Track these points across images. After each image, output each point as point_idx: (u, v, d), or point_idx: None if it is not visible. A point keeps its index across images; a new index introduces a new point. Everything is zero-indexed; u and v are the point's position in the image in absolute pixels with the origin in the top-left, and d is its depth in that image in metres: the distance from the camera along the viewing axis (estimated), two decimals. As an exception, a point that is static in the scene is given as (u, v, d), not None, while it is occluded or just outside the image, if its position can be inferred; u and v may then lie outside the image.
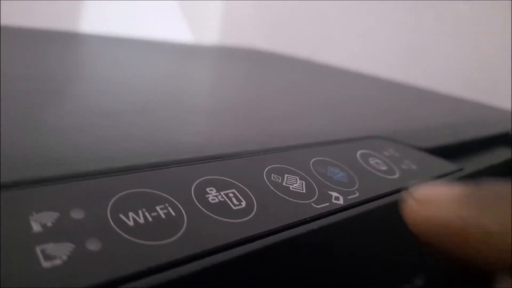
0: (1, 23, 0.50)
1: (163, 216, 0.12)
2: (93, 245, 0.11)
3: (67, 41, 0.48)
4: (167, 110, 0.23)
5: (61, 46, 0.44)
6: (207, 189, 0.14)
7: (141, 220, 0.12)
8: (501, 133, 0.34)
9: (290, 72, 0.53)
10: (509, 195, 0.12)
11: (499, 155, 0.30)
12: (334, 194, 0.16)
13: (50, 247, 0.10)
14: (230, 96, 0.32)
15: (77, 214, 0.11)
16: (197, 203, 0.13)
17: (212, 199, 0.14)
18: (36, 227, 0.11)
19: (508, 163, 0.30)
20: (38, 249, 0.10)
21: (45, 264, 0.10)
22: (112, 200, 0.12)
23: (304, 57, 0.72)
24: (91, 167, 0.14)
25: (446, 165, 0.22)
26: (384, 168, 0.19)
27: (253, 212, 0.14)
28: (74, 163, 0.14)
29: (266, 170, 0.16)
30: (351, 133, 0.23)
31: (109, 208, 0.12)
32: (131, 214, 0.12)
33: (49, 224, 0.11)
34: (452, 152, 0.26)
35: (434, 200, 0.12)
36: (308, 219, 0.14)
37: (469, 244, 0.11)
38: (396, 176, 0.19)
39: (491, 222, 0.11)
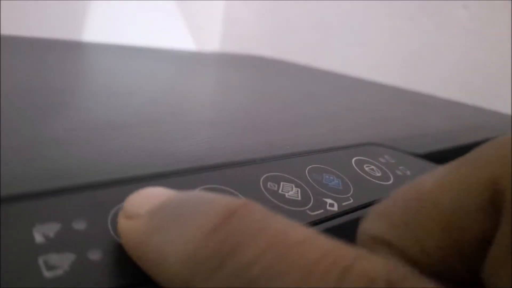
0: (3, 33, 0.51)
1: (161, 225, 0.13)
2: (94, 255, 0.11)
3: (69, 50, 0.49)
4: (166, 119, 0.24)
5: (63, 55, 0.44)
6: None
7: (140, 230, 0.12)
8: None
9: (289, 79, 0.54)
10: (195, 210, 0.10)
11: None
12: (329, 201, 0.17)
13: (52, 258, 0.11)
14: (228, 104, 0.32)
15: (79, 225, 0.12)
16: (194, 212, 0.14)
17: (210, 208, 0.14)
18: (38, 238, 0.11)
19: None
20: (40, 260, 0.10)
21: (48, 274, 0.10)
22: (113, 211, 0.13)
23: (305, 64, 0.72)
24: (92, 179, 0.14)
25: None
26: (378, 174, 0.20)
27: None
28: (75, 174, 0.14)
29: (262, 178, 0.17)
30: (348, 140, 0.23)
31: (109, 218, 0.12)
32: (130, 224, 0.12)
33: (51, 235, 0.11)
34: (448, 157, 0.27)
35: (134, 215, 0.11)
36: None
37: (149, 273, 0.10)
38: (391, 182, 0.19)
39: (152, 249, 0.09)
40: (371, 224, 0.11)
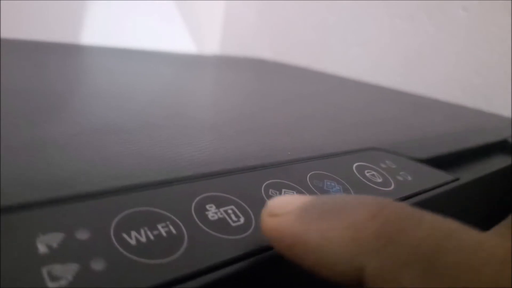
0: (3, 36, 0.51)
1: (164, 234, 0.13)
2: (97, 265, 0.11)
3: (67, 53, 0.49)
4: (167, 124, 0.24)
5: (61, 58, 0.44)
6: (207, 206, 0.15)
7: (143, 239, 0.12)
8: (500, 141, 0.34)
9: (289, 82, 0.54)
10: (343, 206, 0.11)
11: (497, 163, 0.31)
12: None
13: (56, 268, 0.11)
14: (229, 109, 0.32)
15: (82, 235, 0.12)
16: (197, 221, 0.14)
17: (212, 216, 0.14)
18: (42, 249, 0.11)
19: (507, 170, 0.31)
20: (44, 270, 0.10)
21: (51, 284, 0.10)
22: (115, 220, 0.13)
23: (305, 65, 0.72)
24: (94, 187, 0.14)
25: (442, 176, 0.22)
26: (379, 180, 0.20)
27: (251, 228, 0.14)
28: (77, 183, 0.14)
29: (264, 185, 0.17)
30: (349, 145, 0.23)
31: (112, 227, 0.13)
32: (133, 233, 0.13)
33: (54, 245, 0.11)
34: (450, 161, 0.27)
35: (281, 213, 0.12)
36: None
37: (306, 257, 0.11)
38: (391, 188, 0.19)
39: (314, 235, 0.11)
40: None
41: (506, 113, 0.50)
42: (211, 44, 0.86)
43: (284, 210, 0.12)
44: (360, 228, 0.11)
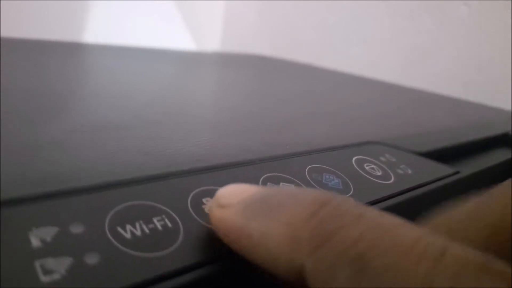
0: (4, 35, 0.51)
1: (160, 228, 0.13)
2: (91, 259, 0.11)
3: (68, 52, 0.49)
4: (165, 120, 0.24)
5: (61, 56, 0.44)
6: (203, 200, 0.15)
7: (138, 233, 0.12)
8: (500, 134, 0.34)
9: (288, 78, 0.54)
10: (285, 201, 0.11)
11: (498, 156, 0.30)
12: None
13: (49, 262, 0.10)
14: (227, 104, 0.32)
15: (76, 229, 0.12)
16: (193, 214, 0.14)
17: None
18: (35, 242, 0.11)
19: (508, 163, 0.30)
20: (37, 264, 0.10)
21: (44, 278, 0.10)
22: (110, 214, 0.13)
23: (306, 62, 0.72)
24: (89, 182, 0.14)
25: (443, 169, 0.22)
26: (379, 173, 0.19)
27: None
28: (72, 177, 0.14)
29: (262, 178, 0.17)
30: (348, 138, 0.23)
31: (107, 221, 0.12)
32: (128, 226, 0.12)
33: (48, 239, 0.11)
34: (450, 155, 0.27)
35: (227, 204, 0.12)
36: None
37: (253, 251, 0.11)
38: (391, 181, 0.19)
39: (255, 230, 0.11)
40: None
41: (507, 107, 0.49)
42: (212, 41, 0.86)
43: (230, 201, 0.12)
44: (298, 226, 0.10)
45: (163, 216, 0.13)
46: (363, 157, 0.21)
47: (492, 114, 0.44)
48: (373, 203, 0.17)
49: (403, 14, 0.64)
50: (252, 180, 0.16)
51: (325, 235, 0.10)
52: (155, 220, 0.13)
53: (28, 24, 0.59)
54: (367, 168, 0.20)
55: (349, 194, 0.17)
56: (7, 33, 0.53)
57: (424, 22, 0.62)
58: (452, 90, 0.58)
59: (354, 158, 0.20)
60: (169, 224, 0.13)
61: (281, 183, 0.17)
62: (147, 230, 0.12)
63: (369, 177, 0.19)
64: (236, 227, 0.11)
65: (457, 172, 0.22)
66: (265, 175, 0.17)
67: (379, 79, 0.61)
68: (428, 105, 0.44)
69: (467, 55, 0.58)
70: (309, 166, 0.18)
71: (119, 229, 0.12)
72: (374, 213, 0.10)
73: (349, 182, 0.18)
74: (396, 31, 0.65)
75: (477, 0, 0.57)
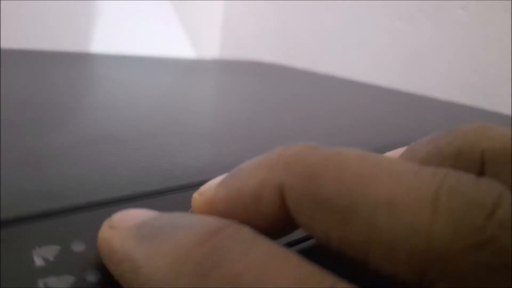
0: (6, 46, 0.52)
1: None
2: (92, 277, 0.11)
3: (65, 61, 0.49)
4: (164, 132, 0.24)
5: (58, 66, 0.45)
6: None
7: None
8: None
9: (288, 85, 0.54)
10: (177, 226, 0.11)
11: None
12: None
13: (51, 281, 0.11)
14: (227, 115, 0.33)
15: (77, 247, 0.12)
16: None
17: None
18: (38, 262, 0.11)
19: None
20: (40, 283, 0.11)
21: (47, 297, 0.10)
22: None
23: (305, 67, 0.73)
24: (89, 198, 0.14)
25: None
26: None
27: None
28: (73, 194, 0.15)
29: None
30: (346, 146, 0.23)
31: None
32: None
33: (51, 258, 0.11)
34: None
35: (120, 226, 0.11)
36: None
37: (134, 277, 0.10)
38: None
39: (141, 254, 0.10)
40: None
41: (505, 111, 0.50)
42: (210, 47, 0.87)
43: (123, 224, 0.12)
44: (183, 255, 0.10)
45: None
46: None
47: (492, 118, 0.44)
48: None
49: (401, 17, 0.64)
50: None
51: (207, 268, 0.09)
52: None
53: (26, 34, 0.60)
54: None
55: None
56: (5, 44, 0.54)
57: (422, 25, 0.62)
58: (450, 93, 0.58)
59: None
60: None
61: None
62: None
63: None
64: (122, 249, 0.11)
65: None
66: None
67: (378, 82, 0.61)
68: (427, 110, 0.44)
69: (465, 58, 0.58)
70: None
71: (119, 246, 0.13)
72: (267, 245, 0.09)
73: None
74: (394, 34, 0.65)
75: (474, 1, 0.57)
